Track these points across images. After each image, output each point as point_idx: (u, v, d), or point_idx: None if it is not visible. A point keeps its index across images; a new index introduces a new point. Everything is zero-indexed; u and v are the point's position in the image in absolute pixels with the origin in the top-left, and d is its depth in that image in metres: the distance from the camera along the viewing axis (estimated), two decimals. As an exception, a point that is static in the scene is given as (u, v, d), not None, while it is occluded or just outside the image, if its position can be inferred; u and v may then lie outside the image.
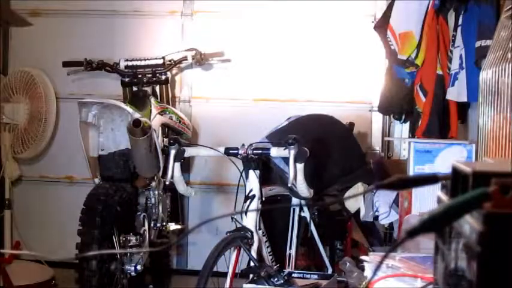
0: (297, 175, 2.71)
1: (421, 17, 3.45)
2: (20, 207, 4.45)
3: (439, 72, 3.41)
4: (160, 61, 3.80)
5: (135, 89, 3.79)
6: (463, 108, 3.41)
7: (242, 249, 2.59)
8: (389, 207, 3.29)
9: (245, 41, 4.33)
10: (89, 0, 4.43)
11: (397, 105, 3.87)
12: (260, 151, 2.77)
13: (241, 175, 2.80)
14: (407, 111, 3.83)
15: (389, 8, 3.71)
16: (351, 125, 3.81)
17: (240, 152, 2.77)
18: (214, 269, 2.44)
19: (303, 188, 2.82)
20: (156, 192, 3.64)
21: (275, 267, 2.67)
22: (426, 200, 2.96)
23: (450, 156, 3.05)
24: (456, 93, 3.19)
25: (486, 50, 2.72)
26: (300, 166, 2.71)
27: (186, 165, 4.18)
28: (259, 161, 2.77)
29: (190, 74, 4.38)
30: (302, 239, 3.34)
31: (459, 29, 3.17)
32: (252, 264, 2.63)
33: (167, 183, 2.97)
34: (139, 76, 3.77)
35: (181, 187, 2.94)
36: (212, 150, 2.89)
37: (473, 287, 0.88)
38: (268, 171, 3.28)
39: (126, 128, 3.29)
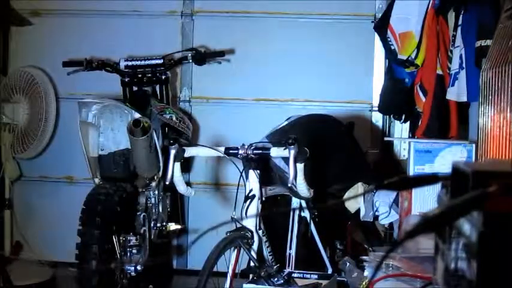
0: (297, 175, 2.71)
1: (421, 17, 3.45)
2: (20, 207, 4.44)
3: (439, 72, 3.41)
4: (160, 61, 3.79)
5: (135, 89, 3.79)
6: (463, 108, 3.41)
7: (242, 249, 2.59)
8: (389, 207, 3.30)
9: (245, 41, 4.33)
10: (89, 0, 4.43)
11: (397, 105, 3.87)
12: (260, 151, 2.77)
13: (241, 175, 2.80)
14: (407, 111, 3.83)
15: (389, 8, 3.71)
16: (351, 125, 3.81)
17: (240, 152, 2.76)
18: (214, 269, 2.44)
19: (303, 188, 2.82)
20: (156, 192, 3.63)
21: (275, 267, 2.66)
22: (426, 200, 2.96)
23: (450, 156, 3.06)
24: (456, 93, 3.20)
25: (486, 50, 2.73)
26: (300, 166, 2.71)
27: (186, 165, 4.18)
28: (259, 161, 2.77)
29: (190, 74, 4.38)
30: (302, 239, 3.33)
31: (459, 29, 3.17)
32: (252, 264, 2.63)
33: (167, 183, 2.97)
34: (139, 76, 3.76)
35: (181, 187, 2.94)
36: (212, 150, 2.89)
37: (473, 287, 0.88)
38: (268, 171, 3.28)
39: (126, 128, 3.29)
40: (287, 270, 2.90)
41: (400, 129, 4.21)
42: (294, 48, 4.31)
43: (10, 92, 4.26)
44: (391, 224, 3.44)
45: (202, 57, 3.90)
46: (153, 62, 3.79)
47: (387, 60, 4.03)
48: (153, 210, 3.63)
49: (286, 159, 2.85)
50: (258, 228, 2.74)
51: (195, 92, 4.39)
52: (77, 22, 4.45)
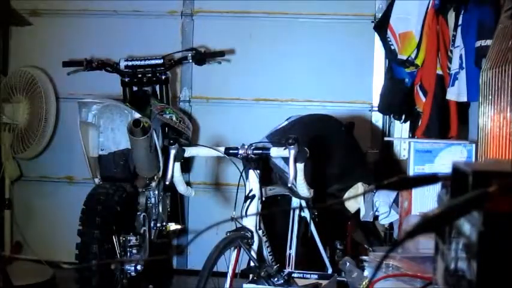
0: (297, 175, 2.71)
1: (421, 17, 3.45)
2: (20, 207, 4.44)
3: (439, 72, 3.41)
4: (160, 61, 3.80)
5: (135, 89, 3.79)
6: (463, 108, 3.41)
7: (242, 249, 2.59)
8: (390, 207, 3.29)
9: (245, 41, 4.33)
10: (89, 0, 4.43)
11: (397, 105, 3.87)
12: (260, 151, 2.77)
13: (241, 175, 2.80)
14: (407, 111, 3.83)
15: (389, 8, 3.71)
16: (351, 125, 3.81)
17: (240, 152, 2.76)
18: (214, 269, 2.44)
19: (303, 188, 2.82)
20: (156, 192, 3.63)
21: (275, 267, 2.66)
22: (426, 200, 2.96)
23: (450, 156, 3.06)
24: (456, 93, 3.19)
25: (486, 50, 2.72)
26: (300, 166, 2.71)
27: (186, 165, 4.18)
28: (259, 161, 2.77)
29: (190, 74, 4.38)
30: (302, 239, 3.33)
31: (459, 29, 3.17)
32: (252, 264, 2.63)
33: (167, 183, 2.97)
34: (139, 76, 3.77)
35: (181, 187, 2.93)
36: (212, 150, 2.89)
37: (473, 287, 0.88)
38: (268, 171, 3.28)
39: (126, 128, 3.29)
40: (287, 270, 2.90)
41: (400, 129, 4.21)
42: (294, 48, 4.31)
43: (10, 92, 4.26)
44: (391, 224, 3.44)
45: (202, 57, 3.90)
46: (153, 62, 3.79)
47: (387, 60, 4.03)
48: (153, 210, 3.63)
49: (286, 159, 2.85)
50: (258, 228, 2.74)
51: (195, 92, 4.39)
52: (77, 22, 4.45)
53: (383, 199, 3.32)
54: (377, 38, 4.04)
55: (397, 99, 3.82)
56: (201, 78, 4.35)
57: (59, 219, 4.35)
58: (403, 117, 3.93)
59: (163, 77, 3.83)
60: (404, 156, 4.01)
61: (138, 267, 3.29)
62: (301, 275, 2.78)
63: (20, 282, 3.74)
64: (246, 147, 2.76)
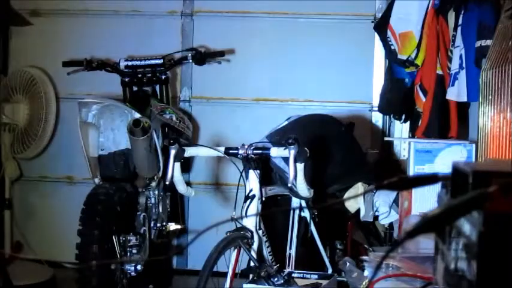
0: (297, 175, 2.71)
1: (421, 17, 3.45)
2: (20, 207, 4.44)
3: (439, 72, 3.41)
4: (161, 61, 3.79)
5: (135, 89, 3.79)
6: (463, 108, 3.41)
7: (242, 249, 2.59)
8: (390, 207, 3.30)
9: (245, 41, 4.33)
10: (89, 0, 4.43)
11: (397, 105, 3.87)
12: (260, 151, 2.77)
13: (241, 175, 2.80)
14: (407, 111, 3.83)
15: (389, 8, 3.71)
16: (351, 125, 3.81)
17: (240, 152, 2.76)
18: (214, 269, 2.44)
19: (303, 188, 2.82)
20: (156, 192, 3.63)
21: (275, 267, 2.66)
22: (426, 200, 2.96)
23: (450, 156, 3.06)
24: (456, 93, 3.20)
25: (486, 50, 2.73)
26: (300, 166, 2.71)
27: (186, 165, 4.18)
28: (259, 161, 2.77)
29: (190, 74, 4.38)
30: (302, 239, 3.33)
31: (459, 28, 3.17)
32: (252, 264, 2.63)
33: (167, 183, 2.96)
34: (139, 76, 3.76)
35: (181, 187, 2.93)
36: (212, 150, 2.89)
37: (473, 287, 0.88)
38: (268, 171, 3.28)
39: (126, 128, 3.29)
40: (287, 270, 2.90)
41: (400, 129, 4.21)
42: (294, 48, 4.31)
43: (10, 92, 4.26)
44: (391, 224, 3.44)
45: (202, 57, 3.90)
46: (153, 62, 3.79)
47: (387, 60, 4.03)
48: (153, 210, 3.63)
49: (286, 159, 2.85)
50: (258, 228, 2.74)
51: (195, 92, 4.39)
52: (77, 22, 4.45)
53: (383, 199, 3.32)
54: (377, 38, 4.04)
55: (397, 100, 3.82)
56: (201, 78, 4.36)
57: (59, 219, 4.35)
58: (403, 117, 3.93)
59: (163, 77, 3.82)
60: (404, 156, 4.01)
61: (138, 267, 3.29)
62: (301, 275, 2.78)
63: (20, 282, 3.74)
64: (246, 147, 2.76)
